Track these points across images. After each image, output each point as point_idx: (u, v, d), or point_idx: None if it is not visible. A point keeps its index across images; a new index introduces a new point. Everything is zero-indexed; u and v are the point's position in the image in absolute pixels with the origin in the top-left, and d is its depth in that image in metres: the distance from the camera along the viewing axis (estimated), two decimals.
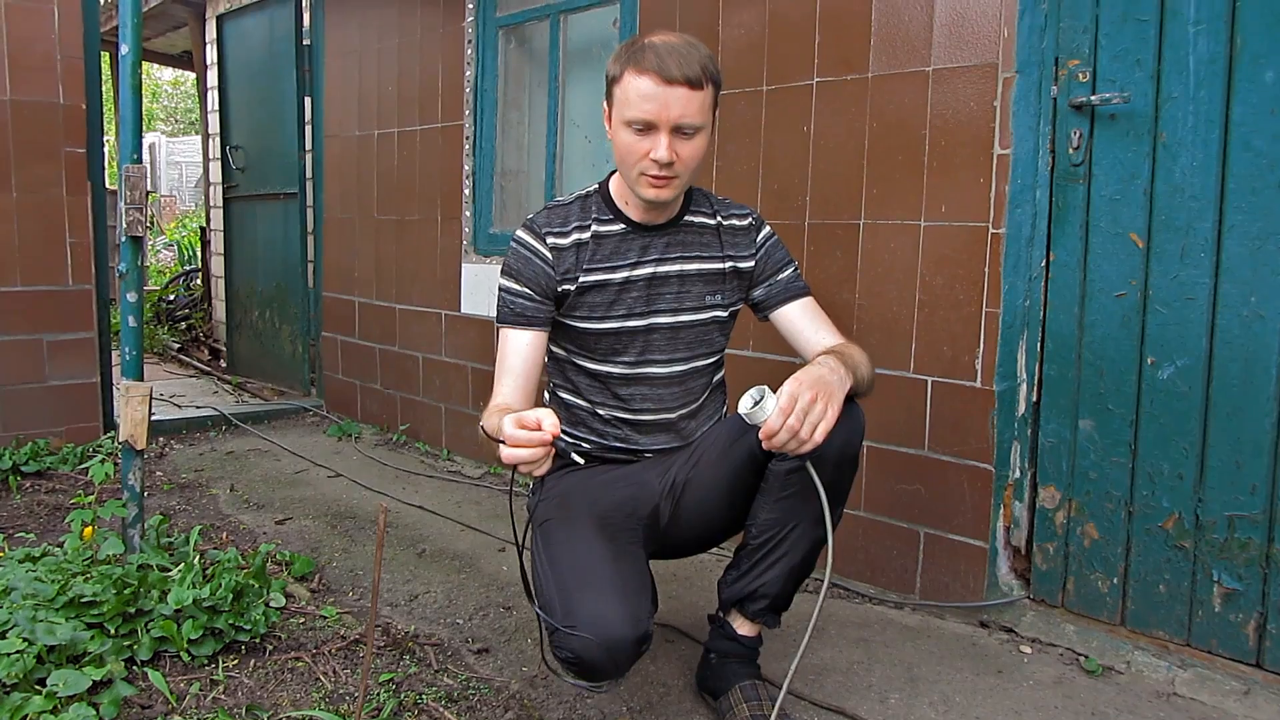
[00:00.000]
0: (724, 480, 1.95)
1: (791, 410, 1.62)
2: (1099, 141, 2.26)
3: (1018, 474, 2.42)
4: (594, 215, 1.97)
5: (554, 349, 2.07)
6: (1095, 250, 2.28)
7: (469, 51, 3.99)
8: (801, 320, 2.00)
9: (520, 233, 1.98)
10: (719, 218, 2.03)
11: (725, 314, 2.04)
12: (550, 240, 1.94)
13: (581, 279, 1.95)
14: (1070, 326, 2.32)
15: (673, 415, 2.05)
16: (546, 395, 2.15)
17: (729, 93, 2.94)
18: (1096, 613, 2.33)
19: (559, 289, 1.95)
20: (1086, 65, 2.26)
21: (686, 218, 2.01)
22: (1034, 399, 2.39)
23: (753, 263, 2.04)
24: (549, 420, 1.53)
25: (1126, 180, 2.22)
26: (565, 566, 1.81)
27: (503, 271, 1.97)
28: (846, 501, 1.90)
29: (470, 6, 3.98)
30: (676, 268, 1.99)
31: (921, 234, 2.54)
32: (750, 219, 2.06)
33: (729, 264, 2.02)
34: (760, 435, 1.65)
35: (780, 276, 2.03)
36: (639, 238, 1.97)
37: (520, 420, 1.54)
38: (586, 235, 1.96)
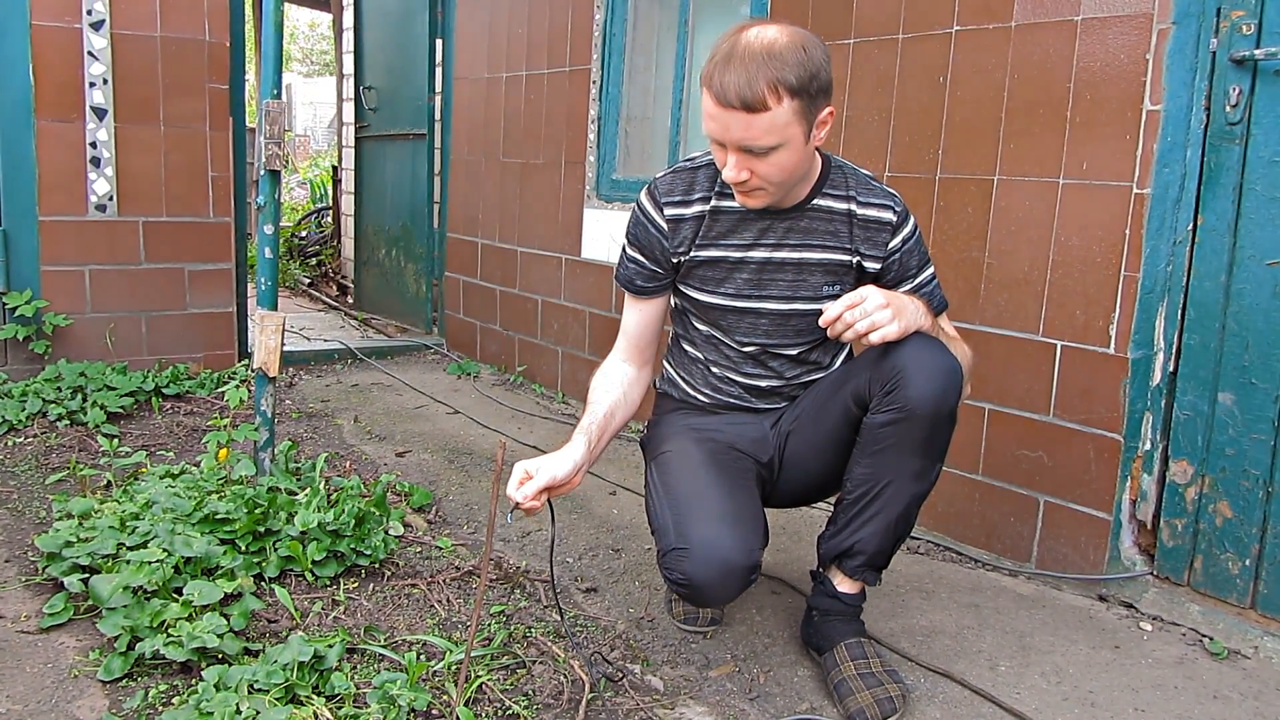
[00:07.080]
0: (823, 433, 1.93)
1: (856, 306, 1.65)
2: (1260, 99, 2.12)
3: (1148, 446, 2.33)
4: (719, 188, 1.90)
5: (675, 299, 2.07)
6: (1248, 215, 2.15)
7: None
8: None
9: (642, 197, 1.96)
10: (854, 204, 1.91)
11: None
12: (669, 211, 1.92)
13: (694, 253, 1.93)
14: (1215, 294, 2.20)
15: (786, 383, 2.03)
16: (669, 341, 2.15)
17: (863, 41, 2.86)
18: (1225, 594, 2.23)
19: (672, 260, 1.95)
20: (1252, 17, 2.11)
21: (816, 201, 1.90)
22: (1170, 369, 2.29)
23: (879, 265, 1.92)
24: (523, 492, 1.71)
25: None
26: (681, 491, 1.84)
27: (626, 229, 2.00)
28: (945, 459, 1.84)
29: None
30: (795, 255, 1.91)
31: (1060, 192, 2.43)
32: (893, 214, 1.91)
33: (855, 258, 1.92)
34: (820, 321, 1.69)
35: (911, 285, 1.94)
36: (758, 219, 1.90)
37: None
38: (707, 207, 1.91)
